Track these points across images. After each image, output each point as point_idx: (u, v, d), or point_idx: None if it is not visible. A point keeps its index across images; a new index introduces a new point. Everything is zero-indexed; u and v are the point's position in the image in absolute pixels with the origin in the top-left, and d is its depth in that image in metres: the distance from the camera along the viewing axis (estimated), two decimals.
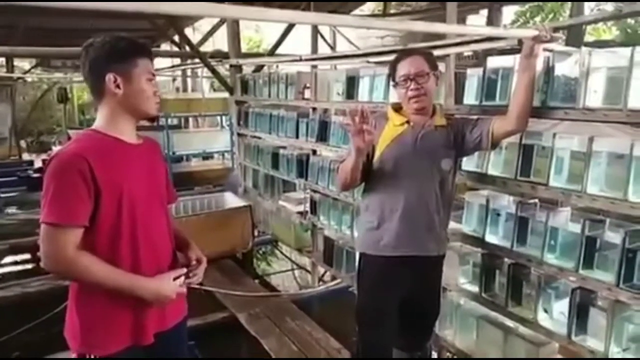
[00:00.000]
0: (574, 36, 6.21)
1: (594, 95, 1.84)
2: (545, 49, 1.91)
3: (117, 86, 1.43)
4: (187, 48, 6.01)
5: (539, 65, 1.92)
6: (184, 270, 1.57)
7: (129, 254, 1.45)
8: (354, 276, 2.37)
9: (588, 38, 8.08)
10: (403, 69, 1.96)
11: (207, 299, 3.56)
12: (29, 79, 11.96)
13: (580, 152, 1.89)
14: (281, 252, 5.48)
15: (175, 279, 1.51)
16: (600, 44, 6.71)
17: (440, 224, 2.04)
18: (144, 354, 1.50)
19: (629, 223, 1.82)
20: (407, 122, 2.00)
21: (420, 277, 2.05)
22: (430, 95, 2.00)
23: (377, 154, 2.01)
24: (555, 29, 1.92)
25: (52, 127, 13.04)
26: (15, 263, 5.37)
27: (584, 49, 1.87)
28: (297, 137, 3.89)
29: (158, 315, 1.51)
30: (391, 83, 2.09)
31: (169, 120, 6.93)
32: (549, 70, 1.97)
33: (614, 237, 1.81)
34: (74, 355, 1.47)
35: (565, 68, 1.93)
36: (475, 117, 2.14)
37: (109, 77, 1.42)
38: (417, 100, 1.95)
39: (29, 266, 5.46)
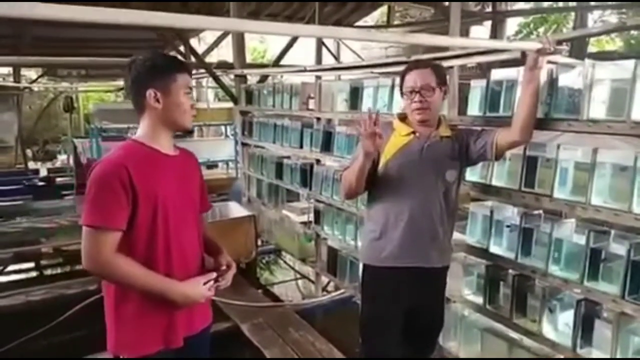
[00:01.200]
0: (577, 47, 6.25)
1: (597, 107, 1.85)
2: (549, 61, 1.93)
3: (157, 100, 1.53)
4: (193, 58, 6.06)
5: (543, 77, 1.93)
6: (214, 275, 1.63)
7: (163, 258, 1.53)
8: (357, 286, 2.37)
9: (591, 49, 8.10)
10: (410, 80, 1.99)
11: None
12: (36, 89, 12.07)
13: (585, 164, 1.89)
14: (285, 262, 5.47)
15: (204, 283, 1.58)
16: (603, 56, 6.75)
17: (444, 235, 2.04)
18: (174, 357, 1.57)
19: (634, 235, 1.82)
20: (413, 132, 2.02)
21: (424, 288, 2.04)
22: (435, 109, 2.01)
23: (382, 163, 2.01)
24: (559, 42, 1.93)
25: (58, 136, 13.11)
26: (19, 271, 5.38)
27: (587, 61, 1.88)
28: (301, 147, 3.90)
29: (187, 319, 1.58)
30: (399, 92, 2.11)
31: None
32: (552, 82, 1.98)
33: (619, 248, 1.81)
34: (109, 356, 1.56)
35: (568, 80, 1.94)
36: (479, 128, 2.15)
37: (150, 92, 1.52)
38: (420, 112, 1.97)
39: (33, 274, 5.49)
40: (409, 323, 2.05)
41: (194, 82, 10.05)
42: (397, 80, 2.16)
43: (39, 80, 11.35)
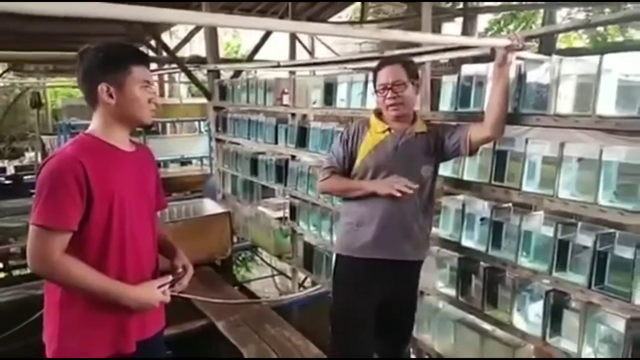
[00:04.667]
0: (547, 44, 6.38)
1: (564, 102, 1.89)
2: (517, 57, 1.97)
3: (110, 95, 1.44)
4: (164, 53, 5.94)
5: (512, 73, 1.97)
6: (169, 278, 1.56)
7: (116, 259, 1.45)
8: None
9: (560, 46, 8.29)
10: (381, 77, 2.01)
11: (185, 307, 3.50)
12: (1, 84, 11.66)
13: (552, 158, 1.93)
14: (261, 259, 5.45)
15: (159, 287, 1.51)
16: (571, 52, 6.92)
17: (420, 230, 2.07)
18: None
19: (601, 226, 1.87)
20: (389, 129, 2.04)
21: (396, 280, 2.07)
22: (409, 104, 2.03)
23: (358, 160, 2.05)
24: (528, 38, 1.97)
25: (25, 132, 12.72)
26: None
27: (554, 57, 1.92)
28: (276, 142, 3.88)
29: (139, 324, 1.51)
30: (372, 90, 2.13)
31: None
32: (520, 77, 2.02)
33: (585, 239, 1.86)
34: None
35: (536, 75, 1.98)
36: (454, 123, 2.18)
37: (102, 87, 1.43)
38: (395, 108, 1.99)
39: (1, 275, 5.33)
40: (381, 315, 2.07)
41: (166, 77, 9.95)
42: (371, 75, 2.17)
43: (4, 75, 10.96)
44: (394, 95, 1.97)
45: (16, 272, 5.38)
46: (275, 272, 5.16)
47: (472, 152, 2.05)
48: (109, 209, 1.41)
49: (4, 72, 10.96)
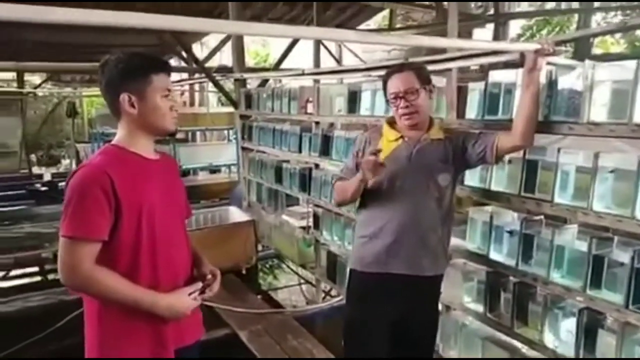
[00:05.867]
0: (582, 50, 6.17)
1: (598, 110, 1.79)
2: (548, 63, 1.88)
3: (132, 105, 1.44)
4: (194, 64, 6.04)
5: (542, 79, 1.88)
6: (199, 285, 1.55)
7: (148, 269, 1.45)
8: None
9: (596, 52, 8.02)
10: (393, 86, 1.93)
11: (208, 315, 3.49)
12: (40, 94, 12.12)
13: (586, 168, 1.83)
14: (288, 267, 5.41)
15: (190, 294, 1.50)
16: (608, 58, 6.67)
17: (438, 242, 1.98)
18: None
19: (638, 241, 1.76)
20: (402, 137, 1.97)
21: (413, 297, 1.97)
22: (423, 111, 1.95)
23: None
24: (559, 43, 1.88)
25: (62, 140, 13.16)
26: (21, 276, 5.37)
27: (587, 62, 1.82)
28: (300, 151, 3.86)
29: (177, 333, 1.51)
30: (385, 99, 2.06)
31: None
32: (552, 83, 1.93)
33: (622, 255, 1.74)
34: None
35: (568, 82, 1.88)
36: (477, 130, 2.10)
37: (123, 97, 1.43)
38: (409, 117, 1.92)
39: (36, 279, 5.47)
40: (398, 336, 1.98)
41: (197, 87, 10.12)
42: None
43: (43, 85, 11.40)
44: (407, 104, 1.89)
45: (50, 277, 5.52)
46: (302, 281, 5.12)
47: (498, 161, 1.96)
48: (138, 217, 1.42)
49: (42, 82, 11.42)
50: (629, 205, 1.69)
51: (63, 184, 7.93)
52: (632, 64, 1.70)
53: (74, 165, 8.27)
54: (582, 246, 1.85)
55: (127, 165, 1.44)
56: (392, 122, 2.04)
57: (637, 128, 1.68)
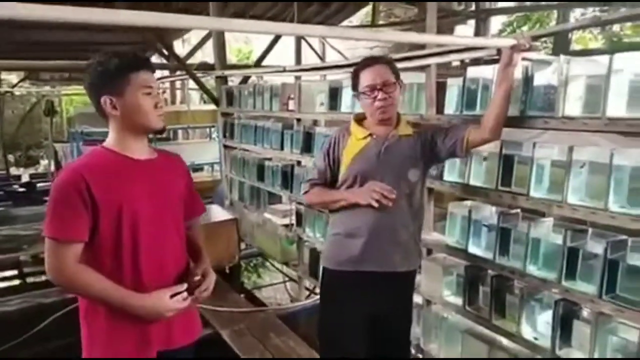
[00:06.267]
0: (560, 45, 6.26)
1: (573, 104, 1.82)
2: (524, 58, 1.90)
3: (114, 107, 1.45)
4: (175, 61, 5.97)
5: (518, 74, 1.90)
6: (184, 286, 1.53)
7: (131, 269, 1.46)
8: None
9: (575, 47, 8.14)
10: (368, 78, 1.89)
11: None
12: (17, 93, 11.88)
13: (560, 162, 1.86)
14: (272, 265, 5.40)
15: (173, 295, 1.48)
16: (586, 53, 6.78)
17: (409, 238, 1.99)
18: None
19: (614, 233, 1.79)
20: (370, 134, 1.95)
21: (387, 294, 1.98)
22: (397, 105, 1.96)
23: (343, 169, 1.96)
24: (535, 38, 1.90)
25: (40, 141, 12.93)
26: (1, 279, 5.27)
27: (562, 57, 1.84)
28: (282, 148, 3.85)
29: (165, 334, 1.51)
30: (352, 93, 2.02)
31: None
32: (527, 79, 1.95)
33: (596, 247, 1.77)
34: None
35: (544, 77, 1.91)
36: (445, 124, 2.11)
37: (104, 99, 1.44)
38: (385, 110, 1.90)
39: (14, 282, 5.37)
40: (373, 330, 1.98)
41: (178, 84, 10.02)
42: None
43: (20, 84, 11.17)
44: (384, 96, 1.87)
45: (30, 280, 5.42)
46: (286, 279, 5.11)
47: (467, 154, 2.00)
48: (118, 218, 1.42)
49: (20, 81, 11.18)
50: (603, 197, 1.72)
51: (41, 185, 7.81)
52: (605, 59, 1.73)
53: (52, 166, 8.11)
54: (558, 239, 1.88)
55: (108, 167, 1.45)
56: (359, 120, 2.02)
57: (609, 122, 1.71)
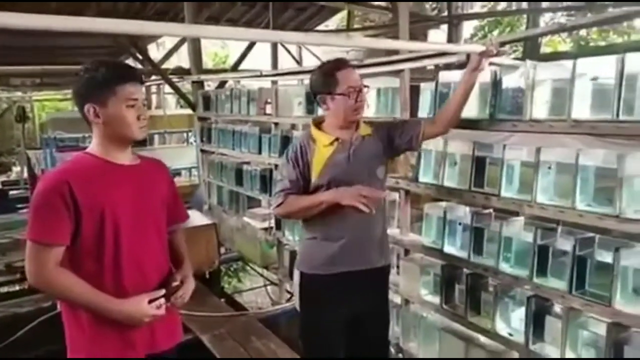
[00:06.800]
0: (531, 49, 6.44)
1: (540, 107, 1.89)
2: (492, 63, 1.97)
3: (97, 115, 1.47)
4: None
5: (486, 78, 1.97)
6: (162, 292, 1.54)
7: (112, 273, 1.47)
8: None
9: (545, 50, 8.36)
10: (350, 79, 1.89)
11: None
12: None
13: (530, 162, 1.93)
14: (253, 269, 5.39)
15: (152, 300, 1.50)
16: (555, 56, 6.98)
17: (382, 233, 2.04)
18: None
19: (582, 231, 1.86)
20: (336, 139, 1.93)
21: (366, 291, 2.01)
22: None
23: (314, 177, 1.93)
24: (503, 43, 1.97)
25: (12, 147, 12.60)
26: None
27: (528, 62, 1.92)
28: (259, 152, 3.87)
29: (148, 337, 1.53)
30: (322, 94, 1.93)
31: None
32: (496, 83, 2.01)
33: (565, 244, 1.84)
34: None
35: (512, 81, 1.98)
36: (398, 120, 2.20)
37: (88, 107, 1.47)
38: (360, 112, 1.93)
39: None
40: (354, 328, 2.01)
41: (154, 89, 9.90)
42: None
43: None
44: (362, 97, 1.91)
45: (3, 290, 5.28)
46: (267, 282, 5.11)
47: (419, 148, 2.15)
48: (100, 223, 1.44)
49: None
50: (570, 196, 1.80)
51: (14, 192, 7.59)
52: (569, 63, 1.81)
53: (25, 173, 7.92)
54: (528, 237, 1.94)
55: (91, 172, 1.47)
56: (318, 124, 2.01)
57: (575, 124, 1.78)
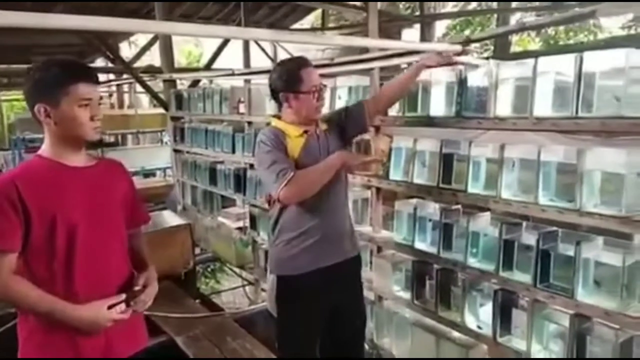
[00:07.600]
0: (501, 47, 6.57)
1: (503, 105, 1.94)
2: (458, 62, 2.01)
3: (48, 116, 1.40)
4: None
5: (451, 77, 2.01)
6: (122, 297, 1.49)
7: (63, 279, 1.41)
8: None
9: (516, 49, 8.54)
10: (314, 78, 1.91)
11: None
12: None
13: (495, 159, 1.97)
14: (230, 269, 5.35)
15: (111, 306, 1.45)
16: (523, 55, 7.13)
17: (350, 222, 2.09)
18: None
19: (547, 225, 1.91)
20: (305, 131, 1.94)
21: (342, 282, 2.04)
22: None
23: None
24: (466, 42, 2.02)
25: None
26: None
27: (491, 61, 1.96)
28: (233, 152, 3.85)
29: (104, 344, 1.47)
30: (285, 92, 1.92)
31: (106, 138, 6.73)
32: (461, 81, 2.05)
33: (529, 238, 1.89)
34: None
35: (476, 80, 2.02)
36: (343, 109, 2.20)
37: (38, 107, 1.40)
38: (321, 110, 1.97)
39: None
40: (334, 321, 2.03)
41: (126, 87, 9.75)
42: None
43: None
44: (323, 97, 1.97)
45: None
46: (245, 283, 5.09)
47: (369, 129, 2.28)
48: (51, 227, 1.38)
49: None
50: (533, 192, 1.84)
51: None
52: (530, 62, 1.85)
53: None
54: (494, 232, 1.99)
55: (41, 175, 1.41)
56: (279, 119, 2.00)
57: (537, 121, 1.83)
